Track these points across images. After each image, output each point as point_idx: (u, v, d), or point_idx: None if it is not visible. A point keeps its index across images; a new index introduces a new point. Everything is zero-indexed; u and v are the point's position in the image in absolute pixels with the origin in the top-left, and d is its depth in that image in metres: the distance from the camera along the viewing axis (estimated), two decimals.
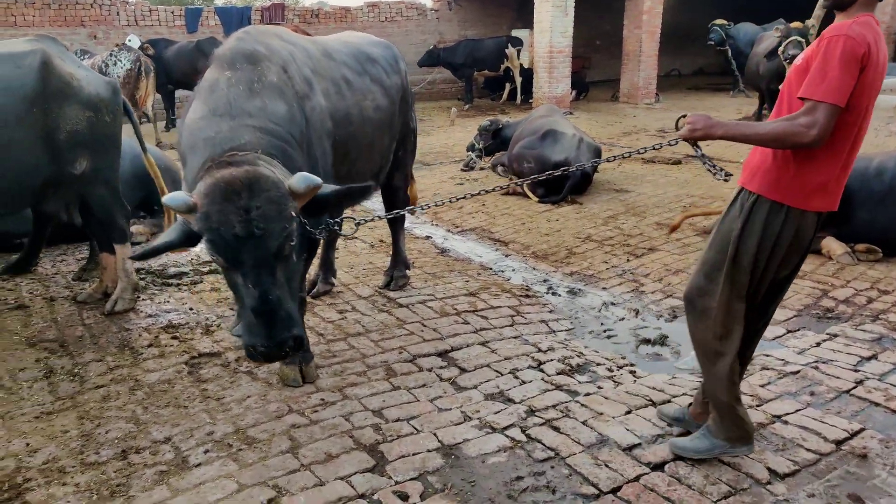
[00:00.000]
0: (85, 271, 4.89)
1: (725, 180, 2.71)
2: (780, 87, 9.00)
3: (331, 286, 4.53)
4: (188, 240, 2.66)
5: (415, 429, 2.95)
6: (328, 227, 2.98)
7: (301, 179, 2.61)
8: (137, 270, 4.68)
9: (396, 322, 4.07)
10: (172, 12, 14.31)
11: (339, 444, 2.84)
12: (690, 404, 2.95)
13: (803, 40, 9.63)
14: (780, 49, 9.66)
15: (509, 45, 14.65)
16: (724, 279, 2.50)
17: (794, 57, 9.49)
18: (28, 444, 2.88)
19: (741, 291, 2.51)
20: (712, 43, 14.51)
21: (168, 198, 2.55)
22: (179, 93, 12.48)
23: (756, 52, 10.85)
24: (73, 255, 5.43)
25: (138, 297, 4.43)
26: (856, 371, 3.43)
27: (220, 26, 14.34)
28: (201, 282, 4.79)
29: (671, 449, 2.75)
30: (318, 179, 2.64)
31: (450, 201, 3.32)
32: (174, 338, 3.89)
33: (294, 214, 2.61)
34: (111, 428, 3.00)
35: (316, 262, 4.46)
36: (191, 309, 4.32)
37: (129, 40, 11.42)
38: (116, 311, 4.21)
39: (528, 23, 16.00)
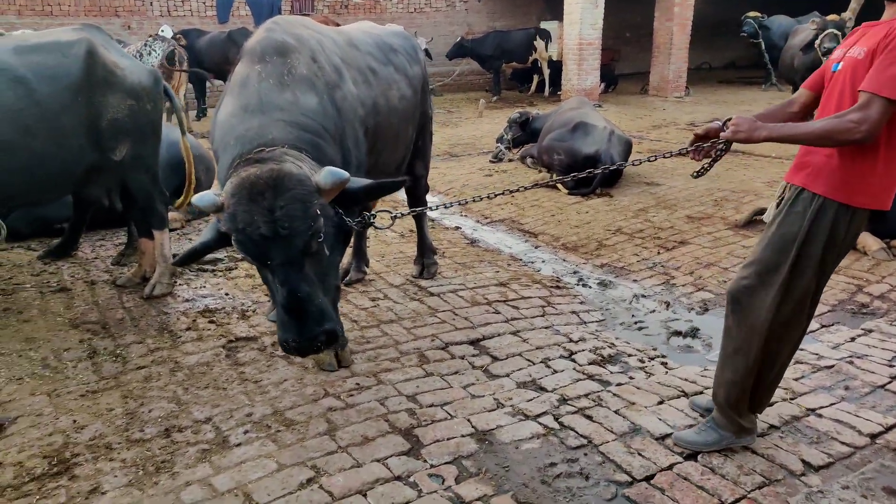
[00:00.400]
0: (123, 256, 5.02)
1: (693, 176, 2.78)
2: None
3: (363, 274, 4.59)
4: (223, 240, 2.70)
5: (448, 414, 3.00)
6: (365, 219, 2.98)
7: (327, 175, 2.58)
8: (173, 256, 4.79)
9: (428, 310, 4.12)
10: (204, 3, 14.49)
11: (374, 427, 2.90)
12: None
13: (839, 34, 9.45)
14: (817, 42, 9.48)
15: (538, 36, 14.57)
16: (781, 283, 2.45)
17: (830, 50, 9.30)
18: (75, 421, 2.99)
19: (802, 296, 2.47)
20: (745, 35, 14.29)
21: (197, 198, 2.59)
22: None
23: (791, 44, 10.64)
24: (111, 241, 5.57)
25: (175, 281, 4.54)
26: (891, 366, 3.39)
27: (251, 17, 14.47)
28: (236, 268, 4.89)
29: (676, 442, 2.75)
30: (346, 174, 2.62)
31: (489, 197, 3.31)
32: (211, 322, 3.99)
33: (320, 212, 2.57)
34: (154, 407, 3.10)
35: (349, 250, 4.52)
36: (226, 294, 4.42)
37: (163, 31, 11.60)
38: (155, 296, 4.32)
39: (557, 14, 15.87)
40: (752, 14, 14.27)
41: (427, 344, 3.67)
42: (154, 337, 3.80)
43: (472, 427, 2.90)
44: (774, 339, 2.55)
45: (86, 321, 4.01)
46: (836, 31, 9.48)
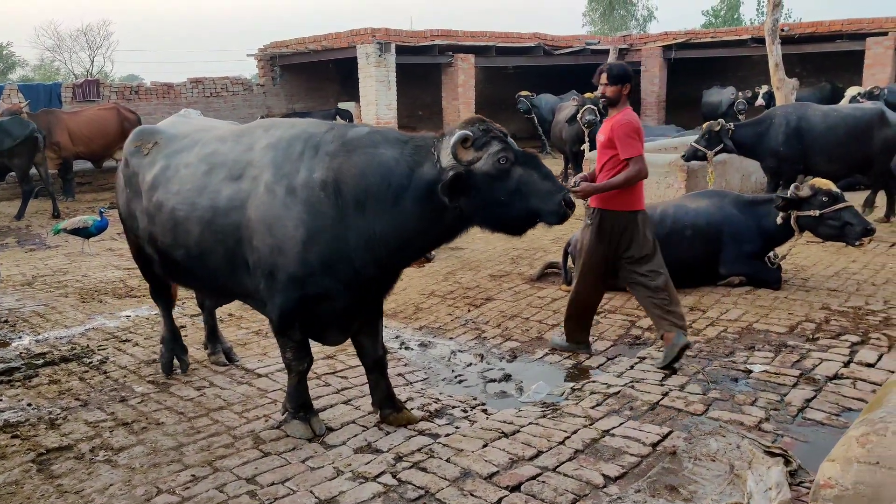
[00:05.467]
0: None
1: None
2: (581, 148, 10.93)
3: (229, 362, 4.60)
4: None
5: (291, 490, 3.06)
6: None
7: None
8: None
9: (258, 392, 4.13)
10: None
11: None
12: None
13: (596, 108, 11.20)
14: (579, 116, 11.15)
15: (338, 117, 15.24)
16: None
17: (590, 122, 10.99)
18: None
19: None
20: (521, 111, 16.27)
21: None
22: None
23: (558, 119, 12.36)
24: None
25: None
26: (661, 385, 4.12)
27: (24, 104, 13.23)
28: (36, 375, 4.46)
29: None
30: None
31: None
32: (14, 437, 3.62)
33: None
34: None
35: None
36: (29, 405, 4.02)
37: None
38: None
39: (352, 95, 16.77)
40: (524, 93, 16.35)
41: (261, 425, 3.70)
42: None
43: (316, 497, 3.00)
44: None
45: None
46: (592, 106, 11.23)
